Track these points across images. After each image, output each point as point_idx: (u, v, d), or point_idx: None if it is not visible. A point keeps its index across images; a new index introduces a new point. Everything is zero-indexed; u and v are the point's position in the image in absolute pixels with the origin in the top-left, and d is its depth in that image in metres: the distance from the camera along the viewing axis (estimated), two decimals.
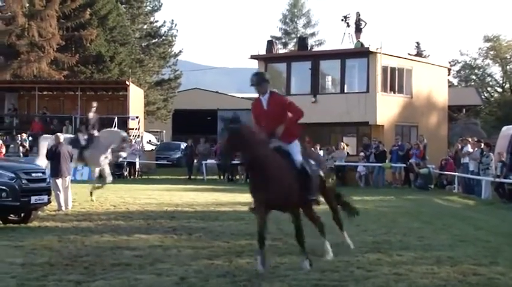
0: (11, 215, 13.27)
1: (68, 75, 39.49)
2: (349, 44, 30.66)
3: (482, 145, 22.61)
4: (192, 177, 30.47)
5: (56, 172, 15.68)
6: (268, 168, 8.22)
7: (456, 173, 24.46)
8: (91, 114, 19.46)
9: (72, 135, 19.78)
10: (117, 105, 34.81)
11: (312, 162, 8.94)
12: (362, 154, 28.11)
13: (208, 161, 30.48)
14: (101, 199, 18.06)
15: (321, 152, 27.73)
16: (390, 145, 28.20)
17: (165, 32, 51.13)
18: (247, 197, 9.81)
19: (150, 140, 42.66)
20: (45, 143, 18.12)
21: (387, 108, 29.71)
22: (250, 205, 8.81)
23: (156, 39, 50.95)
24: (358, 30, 30.61)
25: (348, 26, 30.73)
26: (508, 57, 59.98)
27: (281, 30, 60.84)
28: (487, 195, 20.95)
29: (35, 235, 11.72)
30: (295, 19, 60.94)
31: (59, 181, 15.57)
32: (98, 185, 18.62)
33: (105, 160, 18.66)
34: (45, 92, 36.73)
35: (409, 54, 39.21)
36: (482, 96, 57.12)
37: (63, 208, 15.62)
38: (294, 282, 7.91)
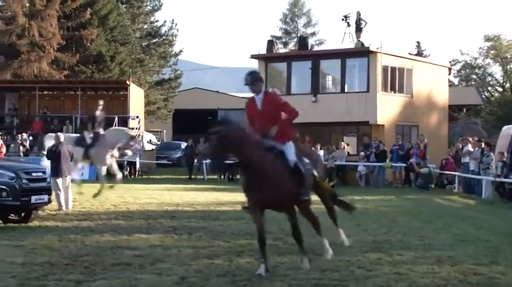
0: (12, 214, 13.28)
1: (68, 75, 39.49)
2: (349, 43, 30.69)
3: (483, 144, 22.60)
4: (192, 177, 30.48)
5: (56, 171, 15.68)
6: (261, 168, 8.17)
7: (456, 173, 24.45)
8: (98, 113, 19.40)
9: (78, 135, 19.71)
10: (118, 105, 34.78)
11: (306, 161, 8.86)
12: (362, 153, 28.11)
13: (209, 160, 30.40)
14: (101, 198, 18.05)
15: (322, 152, 27.74)
16: (391, 144, 28.20)
17: (165, 31, 51.19)
18: None
19: (150, 140, 42.65)
20: (51, 142, 18.09)
21: (387, 108, 29.71)
22: (243, 204, 8.78)
23: (157, 39, 50.98)
24: (359, 29, 30.59)
25: (349, 25, 30.73)
26: (509, 56, 59.97)
27: (281, 29, 60.92)
28: (488, 195, 20.94)
29: (35, 234, 11.73)
30: (296, 19, 60.96)
31: (59, 181, 15.57)
32: (110, 184, 18.62)
33: (111, 157, 18.64)
34: (45, 92, 36.71)
35: (409, 53, 39.24)
36: (483, 96, 57.11)
37: (64, 208, 15.62)
38: (294, 282, 7.90)
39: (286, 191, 8.30)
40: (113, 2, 43.33)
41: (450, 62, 53.17)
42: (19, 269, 8.53)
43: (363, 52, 29.72)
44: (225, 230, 12.38)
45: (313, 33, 59.71)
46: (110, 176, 19.04)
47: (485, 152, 21.95)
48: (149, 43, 50.78)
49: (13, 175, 12.57)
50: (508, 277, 8.35)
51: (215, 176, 30.06)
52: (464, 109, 50.68)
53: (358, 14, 30.99)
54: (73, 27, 40.18)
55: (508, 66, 60.46)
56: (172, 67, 52.17)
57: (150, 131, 45.27)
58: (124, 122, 32.23)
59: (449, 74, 43.78)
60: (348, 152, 28.86)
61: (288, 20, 60.95)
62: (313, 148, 26.94)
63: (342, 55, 30.18)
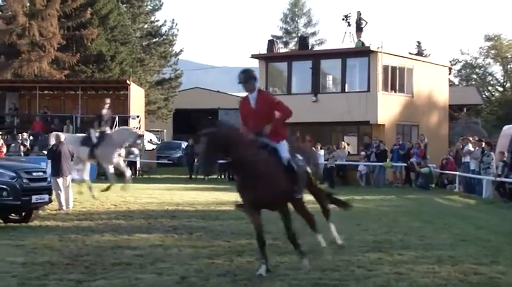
0: (12, 214, 13.29)
1: (68, 74, 39.47)
2: (350, 43, 30.70)
3: (483, 144, 22.60)
4: (192, 176, 30.48)
5: (57, 171, 15.69)
6: (254, 167, 8.11)
7: (457, 173, 24.46)
8: (104, 111, 19.31)
9: (84, 134, 19.59)
10: (118, 104, 34.72)
11: (300, 157, 8.78)
12: (363, 153, 28.11)
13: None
14: (101, 198, 18.06)
15: (322, 152, 27.75)
16: (391, 144, 28.21)
17: (165, 31, 51.18)
18: None
19: (151, 140, 42.66)
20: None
21: (388, 108, 29.71)
22: (236, 202, 8.76)
23: (157, 39, 50.96)
24: (359, 29, 30.59)
25: (349, 25, 30.73)
26: (509, 56, 59.97)
27: (282, 29, 60.86)
28: (488, 194, 20.95)
29: (35, 234, 11.73)
30: (296, 18, 60.92)
31: (59, 180, 15.58)
32: (124, 184, 18.63)
33: (118, 156, 18.61)
34: (46, 92, 36.69)
35: (410, 53, 39.27)
36: (483, 96, 57.11)
37: (64, 207, 15.63)
38: (294, 281, 7.90)
39: (280, 189, 8.24)
40: (113, 2, 43.32)
41: (450, 61, 53.20)
42: (20, 269, 8.53)
43: (363, 52, 29.73)
44: (225, 229, 12.38)
45: (314, 33, 59.68)
46: (118, 175, 19.00)
47: (485, 152, 21.96)
48: (149, 43, 50.78)
49: (14, 174, 12.58)
50: (508, 276, 8.35)
51: (215, 176, 30.07)
52: (465, 109, 50.67)
53: (359, 13, 30.99)
54: (73, 26, 40.16)
55: (509, 66, 60.46)
56: (173, 67, 52.15)
57: (150, 131, 45.27)
58: (124, 121, 32.22)
59: (449, 74, 43.78)
60: (349, 152, 28.86)
61: (288, 19, 60.93)
62: (313, 148, 27.01)
63: (343, 55, 30.18)
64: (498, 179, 20.53)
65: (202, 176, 29.93)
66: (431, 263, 9.08)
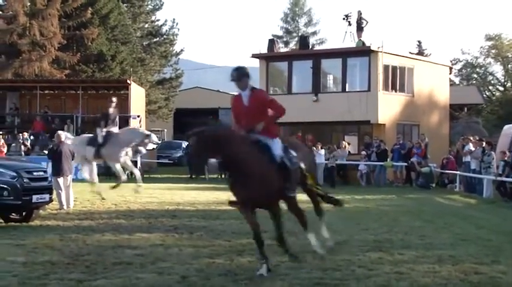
0: (13, 213, 13.29)
1: (69, 74, 39.48)
2: (350, 42, 30.72)
3: (484, 143, 22.60)
4: (193, 176, 30.45)
5: (58, 170, 15.71)
6: (245, 165, 8.01)
7: (458, 172, 24.46)
8: (111, 110, 19.22)
9: (91, 135, 19.44)
10: (119, 104, 34.73)
11: (293, 153, 8.61)
12: (363, 152, 28.12)
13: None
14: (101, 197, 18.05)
15: (323, 151, 27.77)
16: (392, 143, 28.21)
17: (166, 30, 51.20)
18: None
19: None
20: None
21: (389, 107, 29.72)
22: (229, 199, 8.72)
23: (158, 38, 50.98)
24: (360, 29, 30.60)
25: (350, 24, 30.74)
26: (510, 55, 60.01)
27: (282, 29, 60.87)
28: (489, 194, 20.95)
29: (36, 233, 11.73)
30: (297, 18, 60.93)
31: (60, 180, 15.60)
32: (136, 186, 18.60)
33: (125, 156, 18.55)
34: (46, 91, 36.68)
35: (410, 53, 39.27)
36: (484, 95, 57.12)
37: (65, 207, 15.64)
38: (295, 281, 7.90)
39: (272, 187, 8.13)
40: (114, 1, 43.33)
41: (451, 61, 53.22)
42: (20, 269, 8.53)
43: (364, 51, 29.74)
44: (226, 229, 12.37)
45: (314, 33, 59.69)
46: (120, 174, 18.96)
47: (486, 151, 21.96)
48: (150, 42, 50.80)
49: (14, 174, 12.59)
50: (509, 276, 8.34)
51: (215, 175, 30.05)
52: (465, 108, 50.69)
53: (359, 13, 31.00)
54: (74, 26, 40.19)
55: (509, 66, 60.50)
56: (173, 66, 52.17)
57: (151, 131, 45.21)
58: (125, 121, 32.22)
59: (450, 73, 43.78)
60: (349, 152, 28.87)
61: (289, 19, 60.94)
62: (314, 147, 27.03)
63: (343, 54, 30.19)
64: (499, 178, 20.53)
65: (203, 176, 30.02)
66: (431, 263, 9.07)
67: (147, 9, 50.95)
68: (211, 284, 7.78)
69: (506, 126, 25.13)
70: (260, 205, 8.40)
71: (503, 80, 61.98)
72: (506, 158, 21.05)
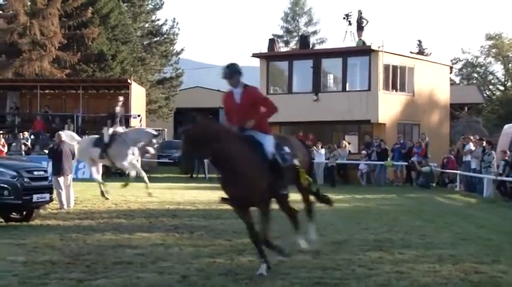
0: (13, 213, 13.30)
1: (69, 73, 39.49)
2: (350, 42, 30.70)
3: (484, 143, 22.59)
4: (193, 175, 30.48)
5: (58, 170, 15.72)
6: (235, 163, 7.90)
7: (458, 171, 24.45)
8: (118, 109, 19.18)
9: (98, 136, 19.36)
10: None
11: (287, 150, 8.48)
12: (364, 152, 28.11)
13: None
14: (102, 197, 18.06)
15: (323, 151, 27.78)
16: (392, 143, 28.21)
17: (166, 30, 51.23)
18: None
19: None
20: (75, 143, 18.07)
21: (389, 107, 29.71)
22: (220, 196, 8.67)
23: (158, 38, 51.00)
24: (360, 28, 30.60)
25: (350, 24, 30.73)
26: (510, 55, 59.99)
27: (283, 28, 60.86)
28: (489, 193, 20.94)
29: (36, 233, 11.74)
30: (297, 17, 60.92)
31: (61, 179, 15.60)
32: (146, 188, 18.60)
33: (133, 156, 18.48)
34: (47, 91, 36.68)
35: (411, 52, 39.27)
36: (484, 95, 57.10)
37: (65, 206, 15.65)
38: (295, 280, 7.90)
39: (263, 186, 8.03)
40: (114, 1, 43.35)
41: (451, 60, 53.21)
42: (20, 268, 8.54)
43: (364, 51, 29.73)
44: (226, 228, 12.36)
45: (315, 32, 59.69)
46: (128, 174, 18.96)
47: (486, 151, 21.96)
48: (150, 42, 50.81)
49: (15, 173, 12.59)
50: (509, 275, 8.34)
51: (216, 175, 30.08)
52: (466, 108, 50.67)
53: (360, 12, 30.99)
54: (74, 26, 40.20)
55: (510, 65, 60.47)
56: (174, 66, 52.18)
57: None
58: (125, 120, 32.23)
59: (450, 73, 43.76)
60: (349, 151, 28.86)
61: (289, 18, 60.93)
62: (314, 147, 27.05)
63: (344, 54, 30.18)
64: (499, 178, 20.52)
65: (203, 175, 30.03)
66: (432, 262, 9.07)
67: (148, 8, 50.97)
68: (212, 283, 7.78)
69: (506, 126, 25.12)
70: (251, 203, 8.26)
71: (503, 80, 61.96)
72: (506, 158, 21.04)
